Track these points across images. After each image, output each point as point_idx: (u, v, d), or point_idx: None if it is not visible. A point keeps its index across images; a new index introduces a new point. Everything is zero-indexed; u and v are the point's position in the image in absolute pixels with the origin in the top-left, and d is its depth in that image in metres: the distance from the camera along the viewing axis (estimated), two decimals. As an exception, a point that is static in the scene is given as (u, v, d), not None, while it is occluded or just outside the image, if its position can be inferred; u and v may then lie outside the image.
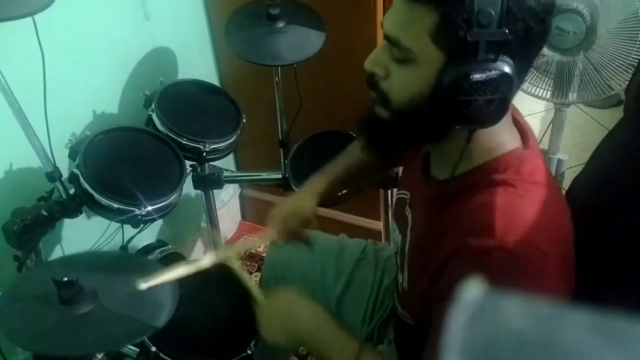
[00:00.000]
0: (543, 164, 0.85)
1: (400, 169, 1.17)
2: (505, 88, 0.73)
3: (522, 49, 0.74)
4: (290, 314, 0.97)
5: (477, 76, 0.72)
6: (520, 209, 0.77)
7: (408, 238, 0.96)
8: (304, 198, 1.17)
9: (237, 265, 1.09)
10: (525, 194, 0.79)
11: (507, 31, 0.70)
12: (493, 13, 0.69)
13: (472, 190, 0.82)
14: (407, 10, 0.76)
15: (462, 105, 0.74)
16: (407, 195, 1.01)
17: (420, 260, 0.88)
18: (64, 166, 1.39)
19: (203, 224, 2.08)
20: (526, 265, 0.74)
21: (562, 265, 0.77)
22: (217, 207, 1.86)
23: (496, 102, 0.74)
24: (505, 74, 0.72)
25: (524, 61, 0.76)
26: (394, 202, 1.07)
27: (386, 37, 0.79)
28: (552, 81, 1.53)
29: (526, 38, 0.73)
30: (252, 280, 1.07)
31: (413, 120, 0.80)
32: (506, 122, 0.83)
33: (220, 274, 1.56)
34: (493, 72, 0.72)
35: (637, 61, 1.38)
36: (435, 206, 0.87)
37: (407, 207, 0.99)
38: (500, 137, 0.83)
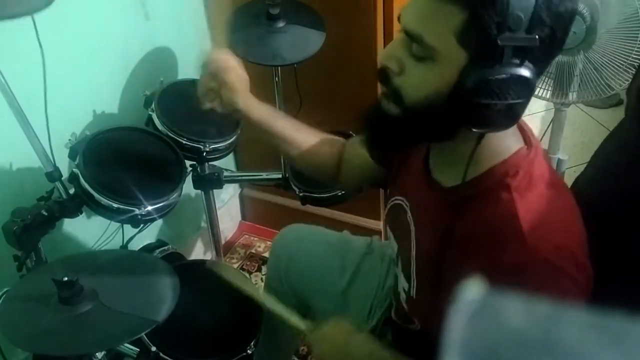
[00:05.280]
0: (547, 162, 0.85)
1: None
2: (526, 93, 0.72)
3: (544, 54, 0.73)
4: (346, 343, 1.00)
5: (500, 80, 0.71)
6: (541, 212, 0.77)
7: (414, 245, 0.94)
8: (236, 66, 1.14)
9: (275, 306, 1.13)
10: (542, 195, 0.78)
11: (536, 37, 0.69)
12: (523, 17, 0.68)
13: (486, 197, 0.81)
14: (433, 6, 0.73)
15: (481, 107, 0.72)
16: (402, 200, 0.99)
17: (436, 270, 0.87)
18: (64, 166, 1.39)
19: (203, 224, 2.08)
20: (562, 268, 0.74)
21: (587, 261, 0.78)
22: (217, 207, 1.86)
23: (514, 106, 0.73)
24: (528, 79, 0.71)
25: (543, 66, 0.76)
26: (387, 208, 1.05)
27: (407, 33, 0.76)
28: (552, 81, 1.53)
29: (550, 44, 0.72)
30: (292, 315, 1.11)
31: (425, 118, 0.79)
32: None
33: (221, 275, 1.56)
34: (516, 77, 0.71)
35: (637, 61, 1.38)
36: (445, 213, 0.85)
37: (409, 213, 0.96)
38: (507, 138, 0.82)
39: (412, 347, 1.00)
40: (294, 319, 1.09)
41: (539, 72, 0.74)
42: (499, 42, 0.69)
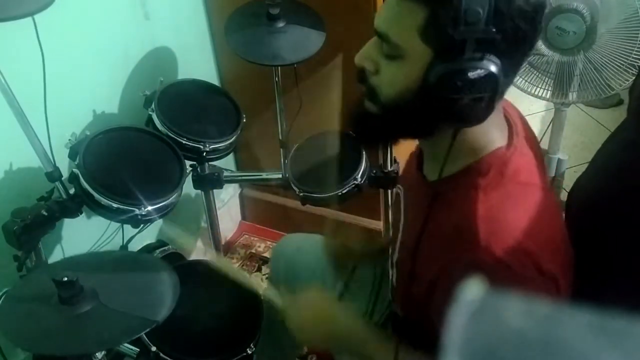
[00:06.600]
0: (528, 162, 0.84)
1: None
2: (491, 87, 0.73)
3: (510, 49, 0.73)
4: (325, 317, 0.98)
5: (462, 74, 0.72)
6: (502, 213, 0.77)
7: (400, 235, 0.97)
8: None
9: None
10: (508, 196, 0.79)
11: (494, 30, 0.70)
12: (481, 11, 0.69)
13: (455, 195, 0.82)
14: (397, 6, 0.76)
15: (447, 102, 0.74)
16: (401, 190, 1.02)
17: (410, 260, 0.89)
18: (64, 166, 1.39)
19: (203, 224, 2.08)
20: (518, 269, 0.74)
21: (555, 261, 0.77)
22: (217, 207, 1.86)
23: (481, 100, 0.74)
24: (491, 73, 0.72)
25: (512, 60, 0.76)
26: (393, 197, 1.08)
27: (376, 32, 0.79)
28: (552, 81, 1.53)
29: (514, 38, 0.72)
30: (260, 283, 1.09)
31: (400, 115, 0.81)
32: (495, 119, 0.83)
33: (221, 274, 1.56)
34: (479, 71, 0.72)
35: (637, 61, 1.38)
36: (425, 207, 0.87)
37: (402, 203, 1.00)
38: (487, 136, 0.82)
39: (407, 336, 1.00)
40: (268, 291, 1.06)
41: (509, 67, 0.75)
42: (456, 36, 0.70)
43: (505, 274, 0.74)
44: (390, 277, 1.00)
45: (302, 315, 1.00)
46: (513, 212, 0.77)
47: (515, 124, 0.88)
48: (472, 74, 0.71)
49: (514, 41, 0.73)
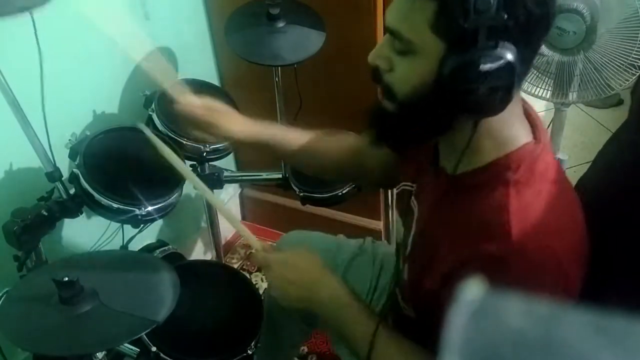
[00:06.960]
0: (554, 160, 0.84)
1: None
2: (507, 75, 0.72)
3: (524, 35, 0.72)
4: (314, 279, 0.95)
5: (477, 64, 0.71)
6: (534, 210, 0.77)
7: (413, 229, 0.96)
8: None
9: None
10: (539, 193, 0.79)
11: (505, 16, 0.69)
12: None
13: (484, 188, 0.81)
14: (407, 1, 0.76)
15: (464, 93, 0.73)
16: (411, 186, 1.01)
17: (426, 253, 0.88)
18: (64, 166, 1.39)
19: (203, 224, 2.08)
20: (543, 268, 0.75)
21: (578, 264, 0.78)
22: (217, 207, 1.86)
23: (499, 90, 0.73)
24: (507, 61, 0.71)
25: (528, 48, 0.75)
26: (395, 194, 1.07)
27: (388, 30, 0.79)
28: (552, 81, 1.53)
29: (528, 24, 0.71)
30: (242, 227, 1.08)
31: (418, 110, 0.80)
32: (517, 113, 0.82)
33: (221, 275, 1.56)
34: (494, 59, 0.71)
35: (637, 61, 1.38)
36: (446, 199, 0.86)
37: (413, 197, 0.98)
38: (512, 130, 0.82)
39: (411, 337, 0.99)
40: (244, 229, 1.06)
41: (525, 53, 0.74)
42: (466, 25, 0.69)
43: (530, 270, 0.75)
44: (402, 273, 1.00)
45: (287, 272, 0.96)
46: (544, 210, 0.77)
47: (536, 115, 0.87)
48: (486, 63, 0.71)
49: (527, 27, 0.72)
